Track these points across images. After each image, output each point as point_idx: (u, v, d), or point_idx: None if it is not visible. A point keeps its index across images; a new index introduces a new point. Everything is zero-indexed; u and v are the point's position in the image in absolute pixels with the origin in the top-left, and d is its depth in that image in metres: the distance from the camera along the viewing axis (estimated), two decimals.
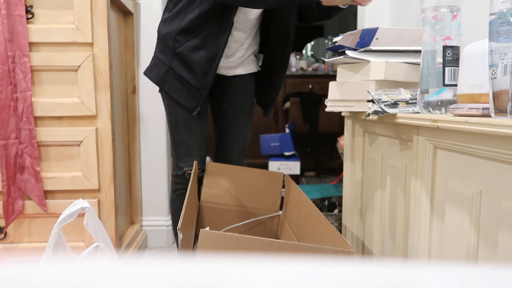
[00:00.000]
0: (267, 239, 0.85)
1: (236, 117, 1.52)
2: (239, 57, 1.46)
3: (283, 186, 1.49)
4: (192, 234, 1.21)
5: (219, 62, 1.34)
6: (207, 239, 0.82)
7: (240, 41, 1.43)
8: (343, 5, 1.31)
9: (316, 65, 4.02)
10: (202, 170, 1.46)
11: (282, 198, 1.48)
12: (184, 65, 1.34)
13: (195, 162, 1.39)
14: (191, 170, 1.43)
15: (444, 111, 0.86)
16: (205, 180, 1.43)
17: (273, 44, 1.48)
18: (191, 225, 1.19)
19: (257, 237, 0.84)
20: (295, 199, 1.35)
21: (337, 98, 1.23)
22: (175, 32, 1.32)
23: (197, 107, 1.37)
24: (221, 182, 1.44)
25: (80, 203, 1.02)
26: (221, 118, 1.54)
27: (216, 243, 0.82)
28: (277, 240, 0.86)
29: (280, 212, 1.48)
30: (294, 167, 2.82)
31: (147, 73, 1.41)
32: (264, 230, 1.47)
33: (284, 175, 1.50)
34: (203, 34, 1.31)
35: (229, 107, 1.52)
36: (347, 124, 1.37)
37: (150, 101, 1.90)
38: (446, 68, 0.86)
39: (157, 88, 1.43)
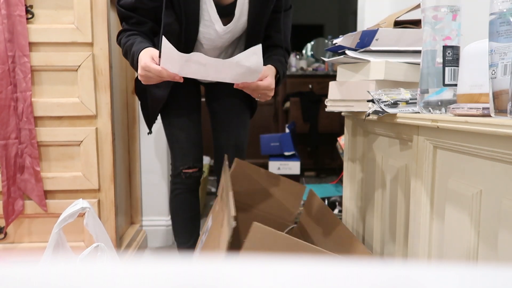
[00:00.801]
0: (314, 246, 0.85)
1: (226, 116, 1.52)
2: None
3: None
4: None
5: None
6: (259, 234, 0.81)
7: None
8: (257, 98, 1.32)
9: (316, 65, 4.02)
10: (199, 169, 1.46)
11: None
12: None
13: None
14: (187, 170, 1.43)
15: (444, 111, 0.86)
16: (231, 177, 1.42)
17: None
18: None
19: (305, 242, 0.85)
20: (314, 212, 1.33)
21: (337, 98, 1.23)
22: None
23: (149, 127, 1.45)
24: (244, 180, 1.42)
25: (80, 203, 1.02)
26: (214, 118, 1.55)
27: (266, 239, 0.82)
28: (322, 249, 0.86)
29: (295, 225, 1.47)
30: (294, 167, 2.82)
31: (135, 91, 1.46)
32: None
33: (306, 188, 1.47)
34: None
35: (219, 107, 1.52)
36: (347, 124, 1.37)
37: None
38: (446, 68, 0.86)
39: None
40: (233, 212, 0.78)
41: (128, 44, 1.23)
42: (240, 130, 1.55)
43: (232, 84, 1.27)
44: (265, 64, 1.25)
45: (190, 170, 1.43)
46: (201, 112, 1.50)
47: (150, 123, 1.45)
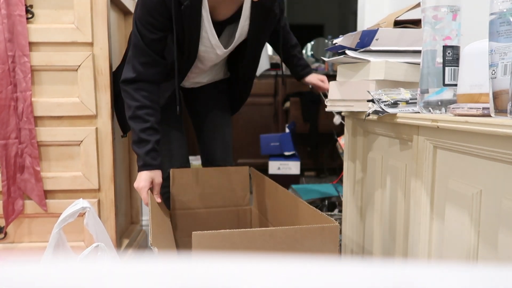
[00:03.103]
0: (258, 229, 0.86)
1: (210, 115, 1.53)
2: (203, 82, 1.51)
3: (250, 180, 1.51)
4: (172, 243, 1.21)
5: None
6: (200, 241, 0.81)
7: (203, 72, 1.46)
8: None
9: (316, 65, 4.02)
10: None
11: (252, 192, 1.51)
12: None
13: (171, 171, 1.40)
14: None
15: (444, 111, 0.86)
16: (172, 188, 1.41)
17: (239, 74, 1.48)
18: (168, 233, 1.20)
19: (248, 229, 0.85)
20: (265, 189, 1.37)
21: (337, 98, 1.23)
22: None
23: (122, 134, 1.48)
24: (189, 186, 1.43)
25: (81, 203, 1.02)
26: (197, 120, 1.56)
27: (210, 242, 0.82)
28: (267, 228, 0.87)
29: (251, 206, 1.52)
30: (294, 167, 2.82)
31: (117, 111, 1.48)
32: (238, 226, 1.49)
33: (249, 168, 1.51)
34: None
35: (202, 107, 1.53)
36: (347, 124, 1.37)
37: None
38: (446, 68, 0.86)
39: None
40: (150, 240, 0.84)
41: (138, 137, 1.24)
42: (226, 129, 1.56)
43: (211, 85, 1.41)
44: (304, 71, 1.63)
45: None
46: (181, 116, 1.49)
47: (126, 127, 1.46)
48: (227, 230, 0.84)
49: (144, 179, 1.22)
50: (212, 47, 1.29)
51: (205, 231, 0.82)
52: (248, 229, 0.86)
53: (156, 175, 1.25)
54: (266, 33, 1.36)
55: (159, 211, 1.20)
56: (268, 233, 0.85)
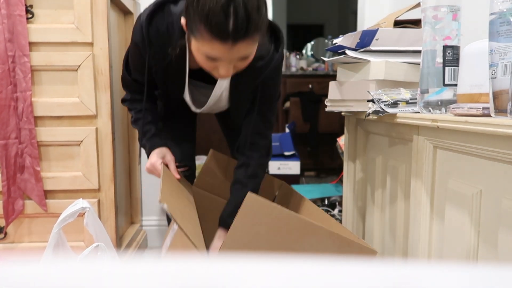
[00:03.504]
0: (306, 219, 0.87)
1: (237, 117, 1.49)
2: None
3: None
4: (195, 218, 1.15)
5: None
6: (253, 204, 0.85)
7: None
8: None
9: (316, 65, 4.02)
10: (189, 168, 1.42)
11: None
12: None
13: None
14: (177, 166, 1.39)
15: (444, 111, 0.86)
16: (204, 167, 1.42)
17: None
18: (184, 199, 1.17)
19: (298, 214, 0.88)
20: (291, 203, 1.34)
21: (337, 98, 1.23)
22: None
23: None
24: (219, 172, 1.43)
25: (80, 203, 1.02)
26: (222, 120, 1.54)
27: (260, 209, 0.86)
28: (315, 223, 0.87)
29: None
30: (294, 167, 2.82)
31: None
32: None
33: (282, 183, 1.46)
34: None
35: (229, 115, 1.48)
36: (347, 124, 1.37)
37: None
38: (446, 68, 0.86)
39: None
40: (160, 196, 0.83)
41: (142, 131, 1.25)
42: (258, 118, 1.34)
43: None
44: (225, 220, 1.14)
45: (180, 169, 1.40)
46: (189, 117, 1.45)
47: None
48: (279, 206, 0.87)
49: (154, 155, 1.21)
50: (190, 103, 1.29)
51: (259, 197, 0.86)
52: (296, 214, 0.89)
53: (166, 152, 1.24)
54: (249, 85, 1.20)
55: (172, 177, 1.17)
56: (312, 228, 0.86)
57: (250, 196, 0.86)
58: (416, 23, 1.16)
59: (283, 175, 2.81)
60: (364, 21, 1.92)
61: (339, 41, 1.17)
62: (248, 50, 0.98)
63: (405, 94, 0.97)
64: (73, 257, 1.06)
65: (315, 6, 5.12)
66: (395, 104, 0.94)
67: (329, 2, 5.19)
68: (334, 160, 3.57)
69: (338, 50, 1.19)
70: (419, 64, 0.96)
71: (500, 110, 0.65)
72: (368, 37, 1.07)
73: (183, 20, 1.01)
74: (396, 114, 0.92)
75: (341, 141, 1.93)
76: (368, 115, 1.00)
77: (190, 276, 0.20)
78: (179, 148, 1.38)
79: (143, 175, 1.97)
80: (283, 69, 3.82)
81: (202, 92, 1.28)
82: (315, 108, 3.39)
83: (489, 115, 0.67)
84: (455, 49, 0.86)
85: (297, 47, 4.36)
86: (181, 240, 0.87)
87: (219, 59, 0.98)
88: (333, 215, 1.98)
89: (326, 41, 4.21)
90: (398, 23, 1.16)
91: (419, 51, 0.93)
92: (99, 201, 1.45)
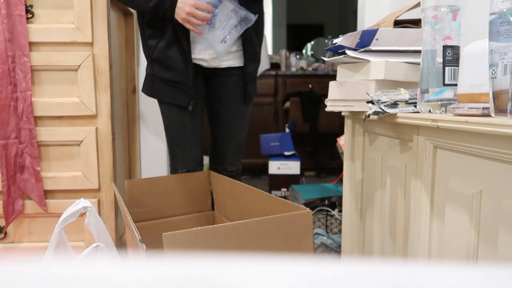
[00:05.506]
0: (231, 223, 0.84)
1: (229, 118, 1.52)
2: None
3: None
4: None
5: (193, 49, 1.39)
6: (172, 241, 0.76)
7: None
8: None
9: (316, 64, 4.02)
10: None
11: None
12: (163, 66, 1.39)
13: None
14: (186, 172, 1.44)
15: (444, 110, 0.86)
16: (128, 200, 1.37)
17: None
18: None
19: (221, 224, 0.82)
20: (226, 190, 1.34)
21: (337, 98, 1.23)
22: (145, 40, 1.41)
23: (191, 100, 1.40)
24: (146, 197, 1.39)
25: (82, 203, 1.02)
26: (215, 120, 1.54)
27: (182, 242, 0.78)
28: (241, 221, 0.85)
29: (214, 211, 1.48)
30: (294, 167, 2.82)
31: (143, 90, 1.48)
32: None
33: (209, 172, 1.49)
34: (168, 32, 1.36)
35: (222, 108, 1.52)
36: (347, 124, 1.37)
37: (150, 101, 1.90)
38: (446, 68, 0.86)
39: None
40: (137, 235, 0.77)
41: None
42: (242, 133, 1.56)
43: (233, 84, 1.30)
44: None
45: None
46: (202, 116, 1.50)
47: (187, 93, 1.42)
48: (199, 227, 0.79)
49: None
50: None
51: (176, 231, 0.77)
52: (222, 224, 0.81)
53: None
54: None
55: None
56: (242, 226, 0.82)
57: (166, 236, 0.77)
58: (416, 23, 1.16)
59: (283, 175, 2.81)
60: (364, 21, 1.92)
61: (339, 41, 1.16)
62: None
63: (404, 94, 0.97)
64: (74, 257, 1.06)
65: (315, 6, 5.12)
66: (394, 104, 0.94)
67: (329, 2, 5.19)
68: (334, 160, 3.58)
69: (338, 50, 1.19)
70: (419, 64, 0.96)
71: (500, 110, 0.65)
72: (368, 37, 1.07)
73: None
74: (396, 114, 0.92)
75: (341, 141, 1.93)
76: (368, 116, 1.00)
77: (190, 276, 0.20)
78: (193, 155, 1.46)
79: (143, 175, 1.97)
80: (283, 69, 3.83)
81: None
82: (315, 108, 3.39)
83: (489, 115, 0.67)
84: (455, 49, 0.86)
85: (297, 47, 4.36)
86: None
87: None
88: (333, 215, 1.98)
89: (326, 41, 4.21)
90: (398, 23, 1.16)
91: (419, 51, 0.93)
92: (99, 201, 1.45)
